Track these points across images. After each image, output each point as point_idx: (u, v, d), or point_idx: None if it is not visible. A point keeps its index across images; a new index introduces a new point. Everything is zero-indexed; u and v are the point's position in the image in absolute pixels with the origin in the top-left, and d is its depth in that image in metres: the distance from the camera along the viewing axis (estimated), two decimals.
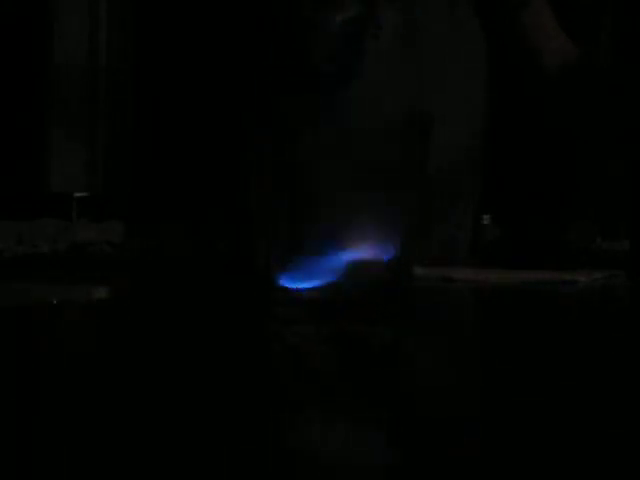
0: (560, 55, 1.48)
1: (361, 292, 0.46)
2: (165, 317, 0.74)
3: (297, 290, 0.46)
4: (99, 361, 0.52)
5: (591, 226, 1.66)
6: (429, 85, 1.39)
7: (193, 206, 2.07)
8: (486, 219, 1.77)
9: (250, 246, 0.48)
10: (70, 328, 0.71)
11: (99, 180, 2.28)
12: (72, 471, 0.30)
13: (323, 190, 0.45)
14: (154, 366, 0.50)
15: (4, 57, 2.09)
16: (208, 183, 2.06)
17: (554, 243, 1.66)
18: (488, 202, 1.72)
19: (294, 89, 0.43)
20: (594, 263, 1.16)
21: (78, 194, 2.10)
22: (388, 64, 0.44)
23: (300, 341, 0.46)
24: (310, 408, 0.40)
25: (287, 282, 0.46)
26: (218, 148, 1.99)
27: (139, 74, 2.29)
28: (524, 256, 1.59)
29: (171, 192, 2.16)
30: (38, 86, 2.19)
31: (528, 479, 0.30)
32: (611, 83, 1.58)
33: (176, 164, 2.17)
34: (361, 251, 0.45)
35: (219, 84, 1.98)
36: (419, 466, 0.31)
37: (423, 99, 1.39)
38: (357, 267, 0.45)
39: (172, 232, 1.90)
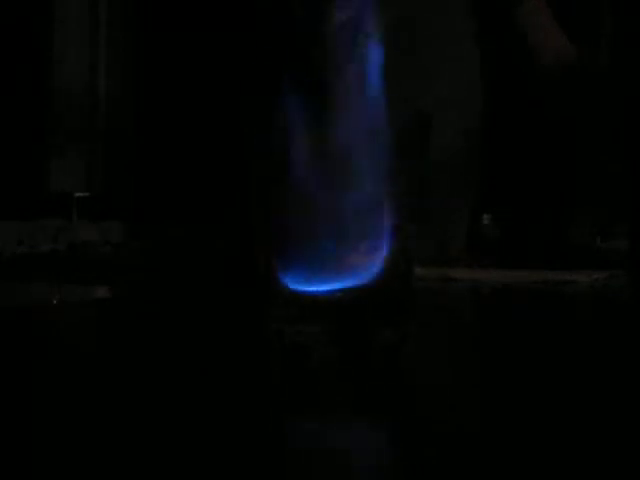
0: (559, 55, 1.48)
1: (369, 293, 0.46)
2: (166, 317, 0.74)
3: (300, 290, 0.46)
4: (99, 361, 0.52)
5: (591, 226, 1.66)
6: (427, 85, 1.40)
7: (193, 206, 2.07)
8: (486, 219, 1.77)
9: (251, 245, 0.48)
10: (70, 328, 0.71)
11: (99, 180, 2.28)
12: (72, 471, 0.30)
13: (323, 190, 0.45)
14: (154, 366, 0.50)
15: (5, 57, 2.09)
16: (208, 183, 2.06)
17: (554, 243, 1.66)
18: (488, 202, 1.72)
19: (292, 90, 0.44)
20: (594, 263, 1.15)
21: (78, 194, 2.10)
22: (386, 64, 0.44)
23: (304, 340, 0.46)
24: (310, 409, 0.40)
25: (289, 282, 0.46)
26: (218, 148, 1.99)
27: (140, 75, 2.29)
28: (524, 256, 1.59)
29: (172, 192, 2.16)
30: (39, 86, 2.19)
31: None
32: (610, 83, 1.58)
33: (176, 165, 2.17)
34: (362, 252, 0.45)
35: (219, 83, 1.98)
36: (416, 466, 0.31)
37: (421, 99, 1.39)
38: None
39: (172, 232, 1.89)
